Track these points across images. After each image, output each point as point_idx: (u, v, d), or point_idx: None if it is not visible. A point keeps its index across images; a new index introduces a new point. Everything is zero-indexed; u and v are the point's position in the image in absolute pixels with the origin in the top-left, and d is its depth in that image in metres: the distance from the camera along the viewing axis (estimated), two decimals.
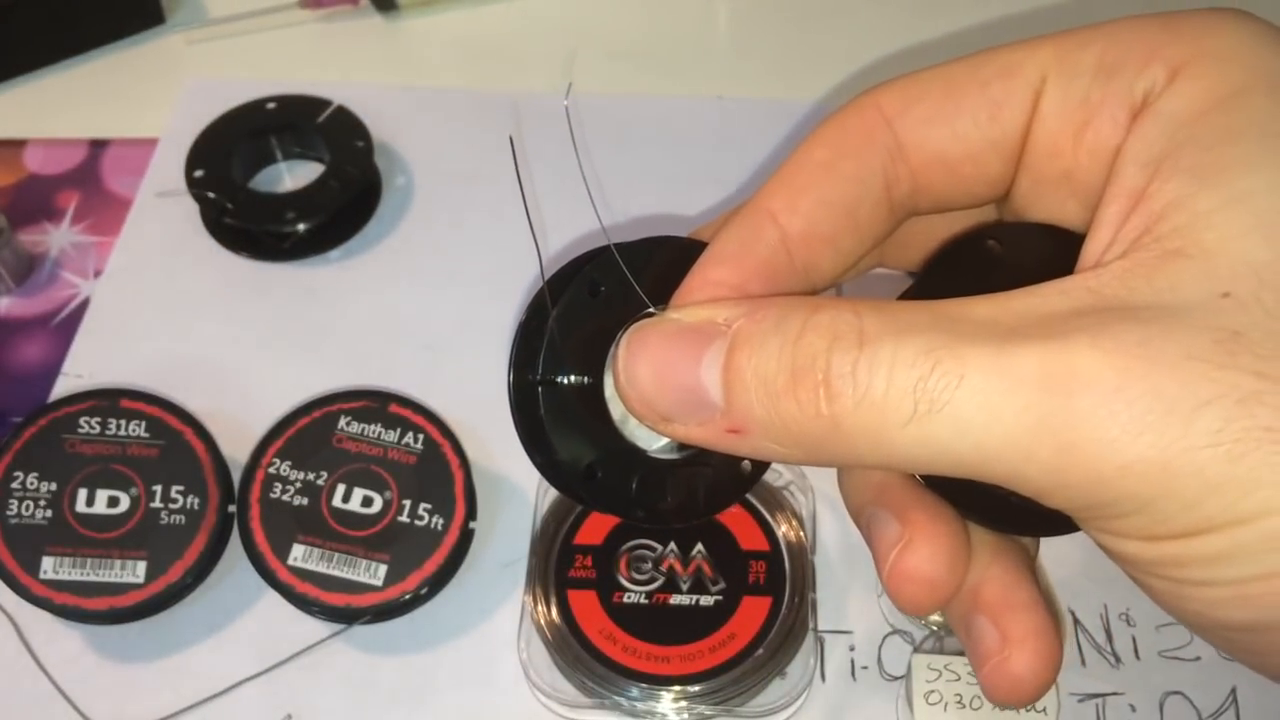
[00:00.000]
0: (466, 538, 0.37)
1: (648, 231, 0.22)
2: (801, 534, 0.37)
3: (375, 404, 0.38)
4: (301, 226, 0.45)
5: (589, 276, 0.21)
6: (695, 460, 0.23)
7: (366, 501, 0.36)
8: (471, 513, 0.37)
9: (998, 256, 0.22)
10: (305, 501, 0.36)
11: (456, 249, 0.46)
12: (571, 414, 0.21)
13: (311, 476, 0.37)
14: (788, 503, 0.38)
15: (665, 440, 0.22)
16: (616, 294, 0.21)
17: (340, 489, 0.36)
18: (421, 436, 0.37)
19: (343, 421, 0.38)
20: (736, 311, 0.19)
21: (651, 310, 0.21)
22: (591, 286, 0.21)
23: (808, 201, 0.21)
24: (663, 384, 0.20)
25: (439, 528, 0.36)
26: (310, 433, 0.37)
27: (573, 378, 0.21)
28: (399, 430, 0.38)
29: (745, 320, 0.19)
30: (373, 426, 0.38)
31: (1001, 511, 0.21)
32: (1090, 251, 0.19)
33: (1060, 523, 0.19)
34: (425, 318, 0.44)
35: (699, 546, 0.36)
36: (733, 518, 0.37)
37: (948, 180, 0.22)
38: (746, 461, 0.23)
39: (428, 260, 0.46)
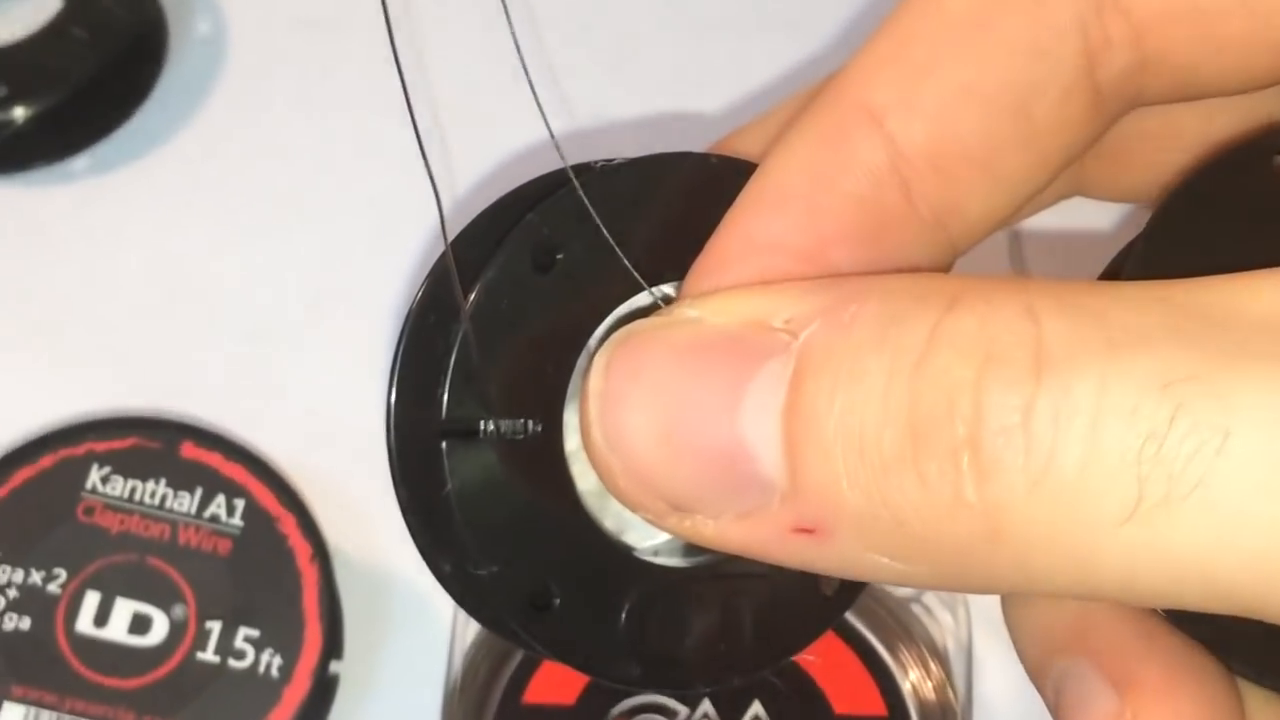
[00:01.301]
0: (324, 690, 0.37)
1: (641, 143, 0.22)
2: (948, 688, 0.37)
3: (156, 442, 0.38)
4: (20, 112, 0.45)
5: (535, 232, 0.21)
6: (731, 568, 0.23)
7: (140, 624, 0.37)
8: (334, 646, 0.37)
9: None
10: (26, 624, 0.36)
11: (303, 157, 0.46)
12: (505, 489, 0.22)
13: (37, 577, 0.37)
14: (919, 631, 0.38)
15: (669, 536, 0.22)
16: (584, 266, 0.22)
17: (91, 600, 0.37)
18: (242, 504, 0.38)
19: (95, 475, 0.38)
20: (807, 305, 0.19)
21: (653, 297, 0.22)
22: (539, 251, 0.21)
23: (938, 90, 0.21)
24: (672, 444, 0.20)
25: (274, 672, 0.36)
26: (35, 495, 0.38)
27: (505, 423, 0.21)
28: (200, 491, 0.38)
29: (824, 323, 0.19)
30: (151, 484, 0.38)
31: None
32: None
33: None
34: (248, 283, 0.44)
35: (756, 708, 0.37)
36: (821, 659, 0.37)
37: (1199, 44, 0.22)
38: None
39: (251, 176, 0.46)
